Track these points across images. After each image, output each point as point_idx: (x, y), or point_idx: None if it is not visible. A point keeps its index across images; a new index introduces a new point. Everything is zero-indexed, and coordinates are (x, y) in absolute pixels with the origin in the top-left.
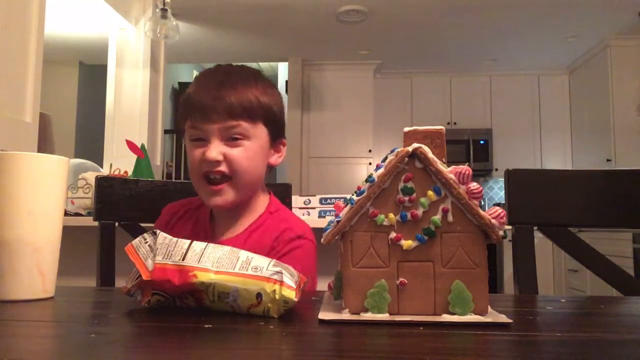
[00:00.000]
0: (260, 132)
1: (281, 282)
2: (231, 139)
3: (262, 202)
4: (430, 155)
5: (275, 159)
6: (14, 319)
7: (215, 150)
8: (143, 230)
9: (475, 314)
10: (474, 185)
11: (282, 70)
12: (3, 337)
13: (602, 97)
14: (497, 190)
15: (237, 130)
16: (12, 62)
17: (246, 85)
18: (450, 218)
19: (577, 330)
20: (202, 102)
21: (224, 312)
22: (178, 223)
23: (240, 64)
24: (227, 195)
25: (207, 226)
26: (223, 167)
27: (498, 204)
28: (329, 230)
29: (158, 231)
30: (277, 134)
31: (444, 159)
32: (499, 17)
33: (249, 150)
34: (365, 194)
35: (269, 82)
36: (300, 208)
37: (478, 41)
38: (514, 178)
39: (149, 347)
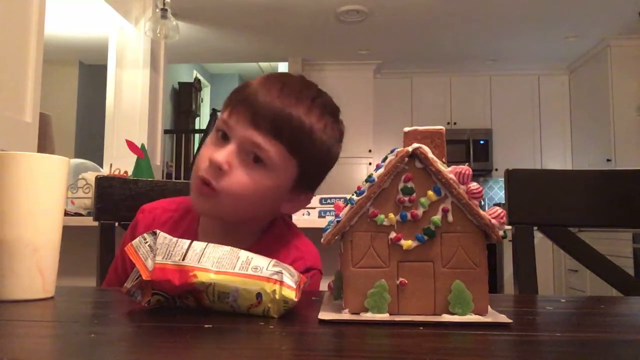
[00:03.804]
0: (288, 170)
1: (281, 282)
2: (252, 157)
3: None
4: (430, 155)
5: (288, 206)
6: (14, 319)
7: (226, 155)
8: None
9: (475, 314)
10: (474, 185)
11: (282, 70)
12: (3, 337)
13: (602, 97)
14: (497, 190)
15: (267, 154)
16: (12, 62)
17: (311, 109)
18: (450, 218)
19: (577, 330)
20: (253, 98)
21: (224, 312)
22: (162, 230)
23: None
24: (211, 203)
25: (196, 238)
26: (217, 179)
27: (498, 204)
28: (329, 230)
29: (158, 231)
30: (306, 184)
31: (444, 159)
32: (499, 17)
33: (259, 184)
34: (365, 194)
35: (339, 125)
36: None
37: (478, 41)
38: (514, 178)
39: (149, 347)
